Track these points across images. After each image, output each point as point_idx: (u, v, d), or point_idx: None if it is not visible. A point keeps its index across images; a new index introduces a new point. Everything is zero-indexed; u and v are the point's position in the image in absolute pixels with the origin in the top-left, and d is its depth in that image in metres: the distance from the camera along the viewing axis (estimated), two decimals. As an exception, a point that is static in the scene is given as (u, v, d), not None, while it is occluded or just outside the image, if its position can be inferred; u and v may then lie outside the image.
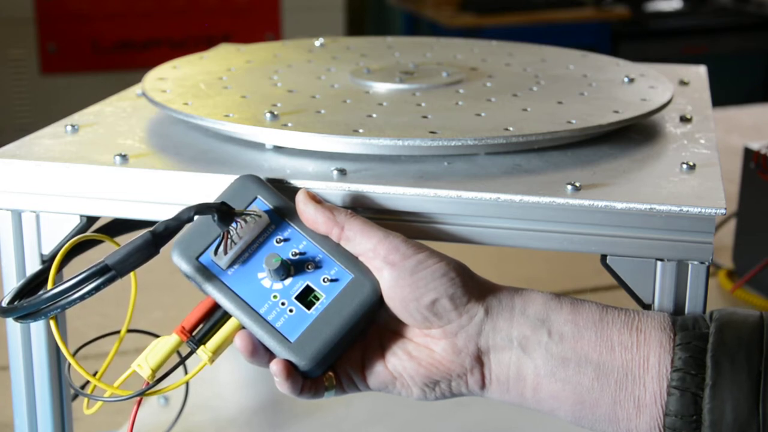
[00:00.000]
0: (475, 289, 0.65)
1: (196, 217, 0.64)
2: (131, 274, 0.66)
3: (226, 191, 0.68)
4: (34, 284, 0.72)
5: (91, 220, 0.75)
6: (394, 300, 0.64)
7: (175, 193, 0.71)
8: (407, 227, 0.69)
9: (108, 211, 0.73)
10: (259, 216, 0.66)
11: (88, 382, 0.67)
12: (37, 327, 0.76)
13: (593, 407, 0.63)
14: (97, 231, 0.78)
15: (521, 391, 0.65)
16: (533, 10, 3.69)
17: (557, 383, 0.64)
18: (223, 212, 0.65)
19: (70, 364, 0.67)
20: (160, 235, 0.64)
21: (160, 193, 0.71)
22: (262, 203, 0.67)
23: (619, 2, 3.86)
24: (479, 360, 0.65)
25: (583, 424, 0.64)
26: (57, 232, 0.74)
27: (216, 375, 1.09)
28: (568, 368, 0.63)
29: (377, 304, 0.65)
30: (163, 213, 0.70)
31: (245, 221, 0.66)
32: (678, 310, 0.67)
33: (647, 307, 0.68)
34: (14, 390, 0.78)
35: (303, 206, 0.66)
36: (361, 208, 0.69)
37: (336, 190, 0.69)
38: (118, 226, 0.82)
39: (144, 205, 0.72)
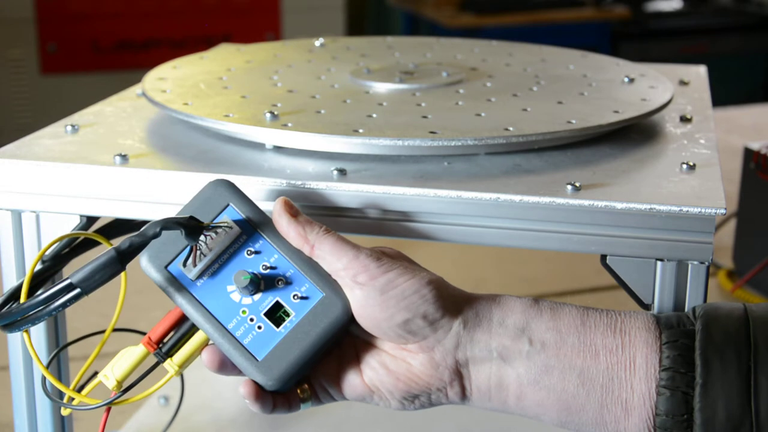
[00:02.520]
0: (450, 303, 0.63)
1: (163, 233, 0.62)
2: (122, 276, 0.66)
3: (197, 197, 0.66)
4: (30, 285, 0.71)
5: (91, 220, 0.75)
6: (366, 319, 0.63)
7: (175, 193, 0.71)
8: (407, 227, 0.69)
9: (108, 211, 0.73)
10: (230, 227, 0.65)
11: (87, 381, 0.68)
12: (37, 327, 0.76)
13: (579, 412, 0.63)
14: (96, 232, 0.78)
15: (504, 400, 0.64)
16: (533, 10, 3.69)
17: (541, 391, 0.63)
18: (191, 227, 0.63)
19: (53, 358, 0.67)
20: (125, 252, 0.62)
21: (160, 193, 0.71)
22: (234, 211, 0.66)
23: (619, 2, 3.86)
24: (458, 372, 0.64)
25: (570, 428, 0.64)
26: (57, 232, 0.74)
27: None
28: (552, 375, 0.62)
29: (347, 323, 0.64)
30: (163, 213, 0.70)
31: (215, 233, 0.64)
32: (678, 310, 0.67)
33: (647, 307, 0.68)
34: (14, 390, 0.78)
35: (278, 217, 0.65)
36: (361, 208, 0.69)
37: (336, 190, 0.69)
38: (118, 227, 0.82)
39: (144, 205, 0.72)
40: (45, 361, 0.76)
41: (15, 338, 0.76)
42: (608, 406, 0.62)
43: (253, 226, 0.65)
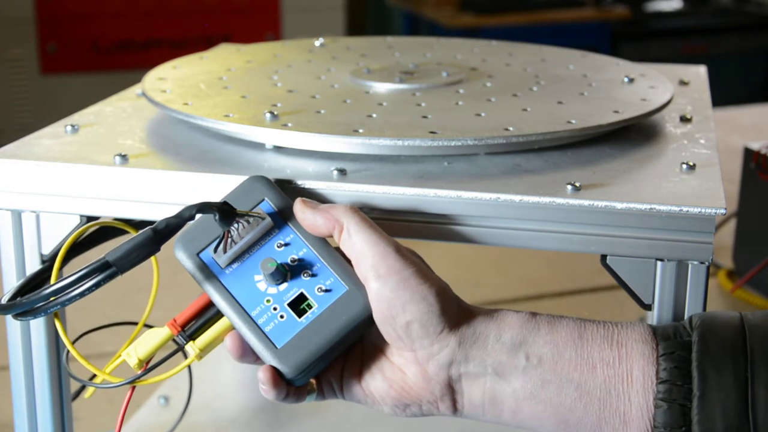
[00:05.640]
0: (452, 317, 0.63)
1: (198, 215, 0.65)
2: (154, 271, 0.67)
3: (234, 190, 0.68)
4: (33, 284, 0.72)
5: (91, 220, 0.75)
6: (375, 313, 0.64)
7: (175, 193, 0.71)
8: (407, 227, 0.69)
9: (108, 211, 0.73)
10: (262, 218, 0.66)
11: (93, 375, 0.68)
12: (37, 326, 0.76)
13: (577, 426, 0.62)
14: (94, 232, 0.78)
15: (498, 414, 0.64)
16: (533, 10, 3.69)
17: (538, 405, 0.63)
18: (225, 212, 0.65)
19: (68, 352, 0.69)
20: (161, 232, 0.64)
21: (160, 193, 0.71)
22: (268, 205, 0.67)
23: (619, 2, 3.86)
24: (450, 388, 0.64)
25: None
26: (57, 232, 0.74)
27: (217, 375, 1.09)
28: (549, 389, 0.62)
29: (368, 320, 0.64)
30: (163, 213, 0.70)
31: (247, 222, 0.66)
32: (678, 310, 0.67)
33: (647, 307, 0.68)
34: (14, 390, 0.78)
35: (301, 214, 0.66)
36: (361, 208, 0.69)
37: (336, 190, 0.69)
38: (112, 231, 0.82)
39: (144, 205, 0.72)
40: (46, 359, 0.76)
41: (15, 338, 0.76)
42: (606, 419, 0.62)
43: (285, 220, 0.67)
